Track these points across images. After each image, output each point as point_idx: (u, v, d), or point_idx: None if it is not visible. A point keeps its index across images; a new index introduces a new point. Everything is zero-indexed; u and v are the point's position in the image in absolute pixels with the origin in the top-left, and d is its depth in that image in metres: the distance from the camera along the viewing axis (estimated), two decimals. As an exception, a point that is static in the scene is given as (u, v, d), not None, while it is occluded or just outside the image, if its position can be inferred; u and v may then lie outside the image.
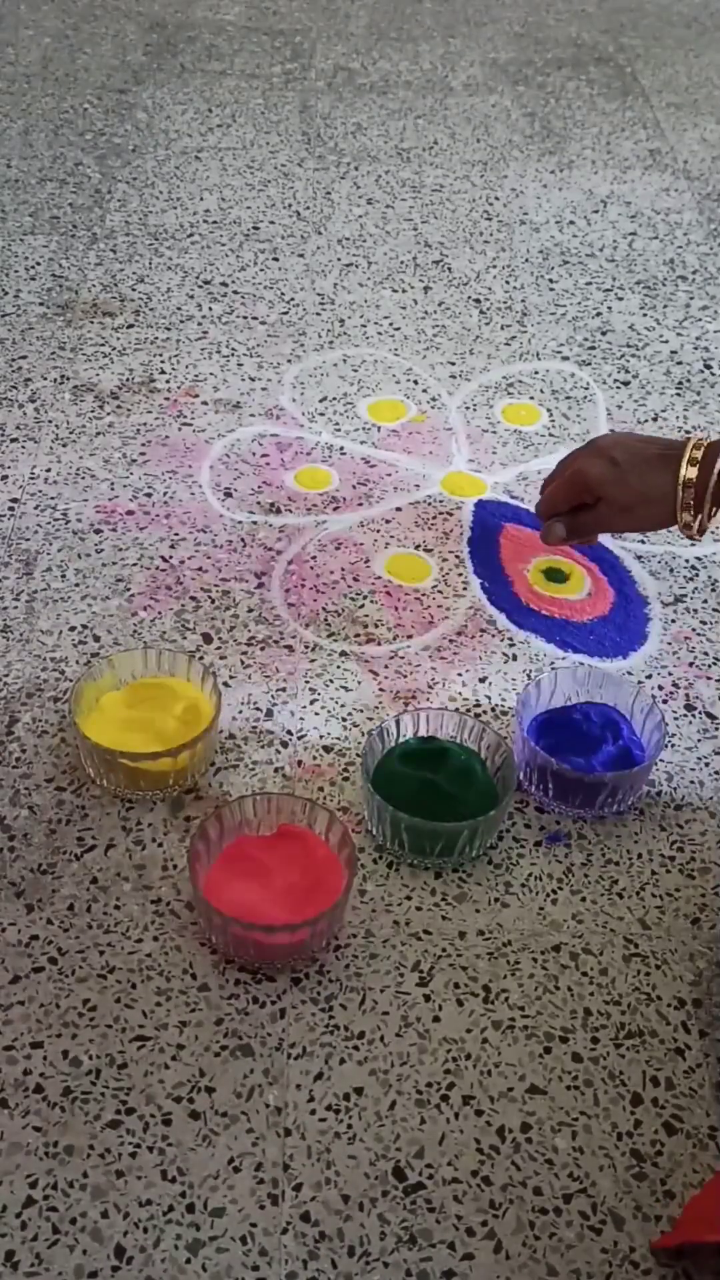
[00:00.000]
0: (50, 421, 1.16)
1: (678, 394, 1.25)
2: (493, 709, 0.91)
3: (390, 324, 1.33)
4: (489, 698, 0.92)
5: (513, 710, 0.89)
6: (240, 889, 0.75)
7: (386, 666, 0.94)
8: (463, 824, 0.78)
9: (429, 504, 1.10)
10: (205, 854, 0.76)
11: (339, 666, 0.94)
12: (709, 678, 0.94)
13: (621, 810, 0.84)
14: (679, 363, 1.29)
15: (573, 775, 0.81)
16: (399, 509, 1.09)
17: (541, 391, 1.24)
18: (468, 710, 0.90)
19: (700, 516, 0.89)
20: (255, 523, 1.06)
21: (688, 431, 1.20)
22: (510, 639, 0.97)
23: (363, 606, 0.99)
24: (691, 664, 0.96)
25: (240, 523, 1.06)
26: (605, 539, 1.06)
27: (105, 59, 1.87)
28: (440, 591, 1.01)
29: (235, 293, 1.36)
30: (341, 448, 1.16)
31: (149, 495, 1.09)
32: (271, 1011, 0.72)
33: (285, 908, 0.74)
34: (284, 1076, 0.69)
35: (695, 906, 0.79)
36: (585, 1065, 0.70)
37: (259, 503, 1.09)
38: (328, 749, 0.87)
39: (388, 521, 1.07)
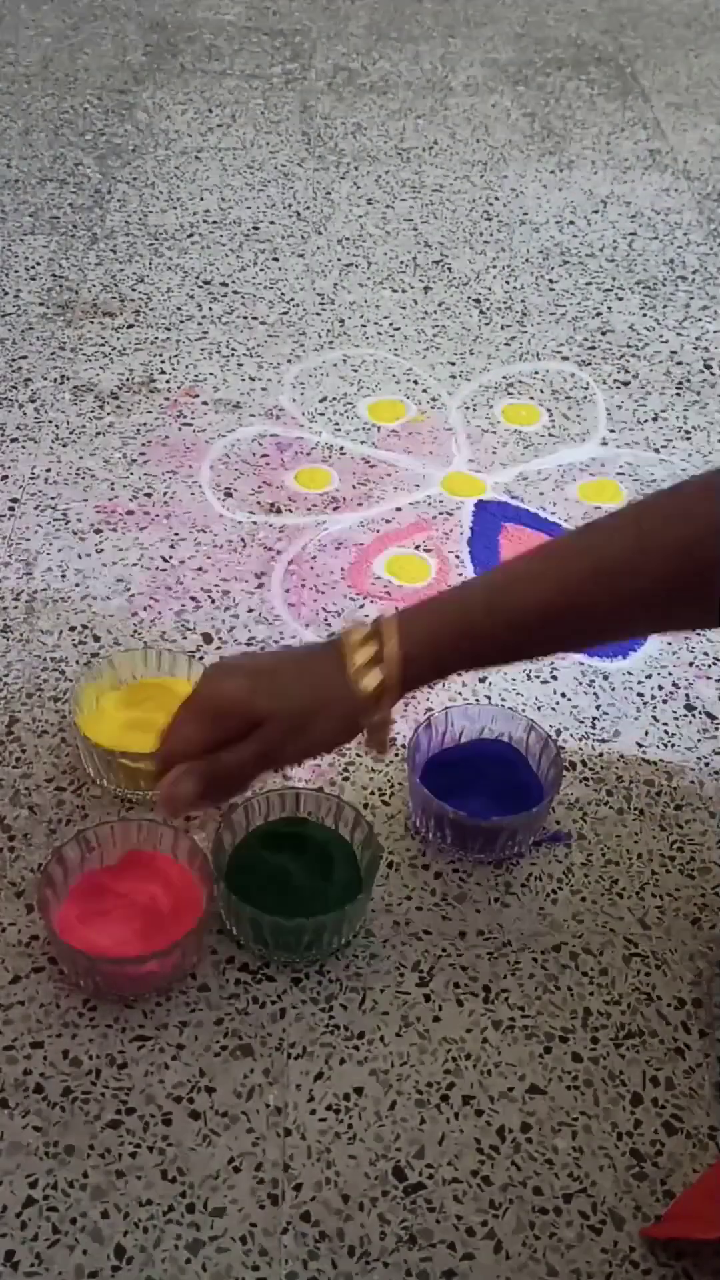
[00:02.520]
0: (50, 421, 1.16)
1: (678, 394, 1.25)
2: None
3: (390, 324, 1.33)
4: (489, 698, 0.92)
5: (403, 754, 0.85)
6: (99, 925, 0.72)
7: (386, 666, 0.94)
8: (322, 918, 0.71)
9: (429, 504, 1.10)
10: (54, 897, 0.73)
11: (339, 666, 0.93)
12: (709, 678, 0.94)
13: (522, 851, 0.81)
14: (679, 363, 1.29)
15: (470, 822, 0.78)
16: (399, 509, 1.09)
17: (541, 391, 1.24)
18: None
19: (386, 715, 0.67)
20: (255, 523, 1.06)
21: (687, 433, 1.20)
22: (510, 639, 0.97)
23: (363, 606, 0.99)
24: (691, 664, 0.96)
25: (240, 523, 1.06)
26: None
27: (105, 59, 1.87)
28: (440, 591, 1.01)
29: (235, 293, 1.36)
30: (341, 448, 1.16)
31: (149, 495, 1.08)
32: (271, 1011, 0.72)
33: (149, 935, 0.72)
34: (284, 1076, 0.69)
35: (695, 906, 0.79)
36: (585, 1065, 0.70)
37: (259, 503, 1.09)
38: (328, 749, 0.87)
39: (388, 521, 1.07)
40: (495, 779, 0.82)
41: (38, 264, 1.39)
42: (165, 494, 1.09)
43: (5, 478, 1.09)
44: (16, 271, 1.37)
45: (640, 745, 0.89)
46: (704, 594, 0.62)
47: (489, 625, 0.66)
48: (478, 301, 1.37)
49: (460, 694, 0.92)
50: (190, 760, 0.65)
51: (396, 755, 0.86)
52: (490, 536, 1.06)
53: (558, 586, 0.64)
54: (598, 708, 0.91)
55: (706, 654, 0.96)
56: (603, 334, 1.33)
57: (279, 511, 1.08)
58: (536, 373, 1.27)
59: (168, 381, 1.22)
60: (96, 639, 0.95)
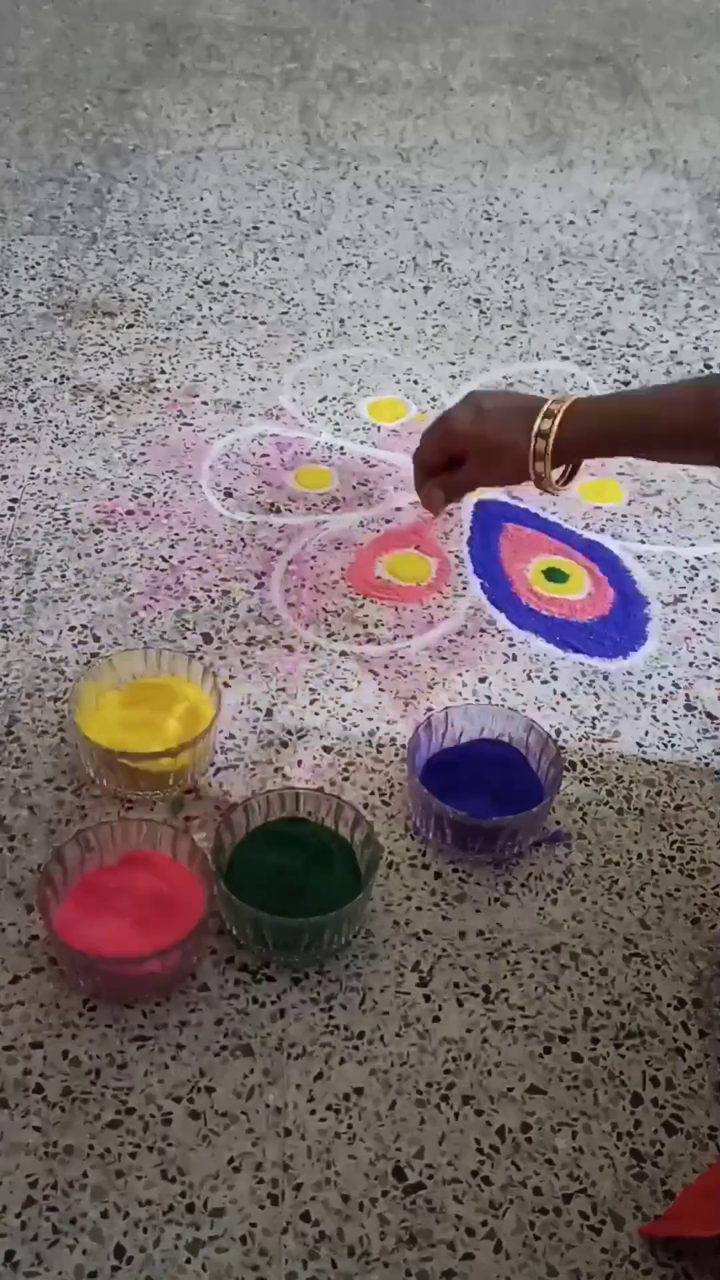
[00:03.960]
0: (50, 421, 1.16)
1: (678, 394, 1.25)
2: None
3: (390, 324, 1.33)
4: (489, 698, 0.92)
5: (404, 754, 0.85)
6: (99, 925, 0.72)
7: (386, 666, 0.94)
8: (323, 918, 0.72)
9: (429, 504, 1.10)
10: (54, 897, 0.73)
11: (339, 666, 0.94)
12: (709, 678, 0.94)
13: (522, 851, 0.81)
14: (679, 363, 1.29)
15: (470, 822, 0.78)
16: (399, 509, 1.09)
17: (541, 391, 1.24)
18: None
19: (550, 469, 0.89)
20: (255, 523, 1.06)
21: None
22: (510, 639, 0.97)
23: (362, 606, 0.99)
24: (691, 664, 0.95)
25: (240, 523, 1.06)
26: (606, 538, 1.06)
27: (105, 59, 1.87)
28: (440, 591, 1.01)
29: (235, 293, 1.36)
30: (341, 448, 1.16)
31: (149, 495, 1.08)
32: (271, 1011, 0.72)
33: (149, 935, 0.71)
34: (284, 1076, 0.69)
35: (695, 906, 0.79)
36: (585, 1065, 0.70)
37: (259, 503, 1.09)
38: (328, 749, 0.87)
39: (388, 521, 1.07)
40: (495, 779, 0.82)
41: (38, 264, 1.39)
42: (165, 494, 1.09)
43: (5, 478, 1.09)
44: (16, 271, 1.37)
45: (640, 745, 0.89)
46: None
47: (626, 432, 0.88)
48: (478, 301, 1.37)
49: (460, 694, 0.92)
50: (433, 470, 0.96)
51: (397, 755, 0.86)
52: (490, 536, 1.06)
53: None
54: (598, 708, 0.91)
55: (706, 654, 0.96)
56: (603, 334, 1.33)
57: (279, 511, 1.08)
58: (536, 373, 1.27)
59: (168, 381, 1.22)
60: (96, 639, 0.95)
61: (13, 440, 1.14)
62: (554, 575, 1.03)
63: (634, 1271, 0.62)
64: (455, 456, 0.94)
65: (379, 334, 1.31)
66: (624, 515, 1.10)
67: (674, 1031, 0.72)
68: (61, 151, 1.62)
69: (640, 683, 0.94)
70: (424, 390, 1.23)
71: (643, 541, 1.07)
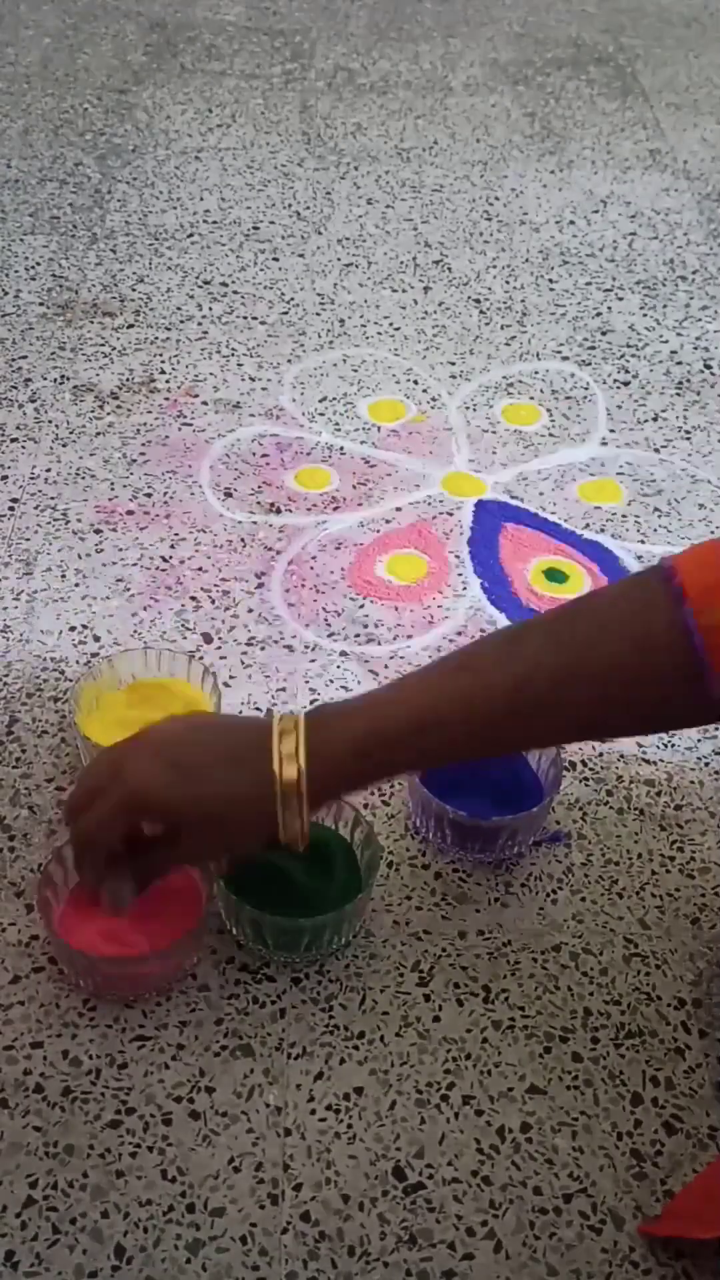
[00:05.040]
0: (50, 421, 1.16)
1: (678, 394, 1.25)
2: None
3: (390, 324, 1.33)
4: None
5: None
6: (99, 925, 0.72)
7: (386, 666, 0.94)
8: (322, 918, 0.71)
9: (429, 504, 1.10)
10: (54, 897, 0.73)
11: (339, 666, 0.94)
12: (709, 678, 0.94)
13: (522, 851, 0.81)
14: (679, 363, 1.29)
15: (470, 822, 0.78)
16: (399, 509, 1.09)
17: (541, 391, 1.24)
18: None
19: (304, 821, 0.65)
20: (255, 523, 1.06)
21: (687, 433, 1.20)
22: (510, 639, 0.97)
23: (363, 606, 0.99)
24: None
25: (240, 523, 1.06)
26: (606, 538, 1.06)
27: (105, 59, 1.87)
28: (440, 591, 1.01)
29: (235, 293, 1.36)
30: (341, 448, 1.16)
31: (149, 495, 1.08)
32: (271, 1011, 0.72)
33: (149, 935, 0.71)
34: (284, 1076, 0.69)
35: (695, 906, 0.79)
36: (585, 1065, 0.70)
37: (259, 503, 1.09)
38: (328, 749, 0.87)
39: (388, 521, 1.07)
40: (495, 779, 0.82)
41: (38, 264, 1.39)
42: (165, 494, 1.09)
43: (5, 478, 1.09)
44: (16, 271, 1.37)
45: (640, 745, 0.89)
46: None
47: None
48: (478, 301, 1.37)
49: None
50: (106, 848, 0.67)
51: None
52: (490, 536, 1.06)
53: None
54: (598, 708, 0.91)
55: (706, 654, 0.96)
56: (603, 334, 1.33)
57: (279, 511, 1.08)
58: (536, 373, 1.27)
59: (168, 381, 1.22)
60: (96, 639, 0.95)
61: (13, 440, 1.14)
62: (554, 575, 1.03)
63: (634, 1271, 0.62)
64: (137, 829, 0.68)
65: (379, 334, 1.31)
66: (624, 515, 1.10)
67: (674, 1031, 0.72)
68: (61, 151, 1.62)
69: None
70: (424, 390, 1.23)
71: (643, 541, 1.07)
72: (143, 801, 0.65)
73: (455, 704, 0.63)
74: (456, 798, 0.78)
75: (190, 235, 1.45)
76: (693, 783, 0.87)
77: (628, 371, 1.28)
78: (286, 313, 1.33)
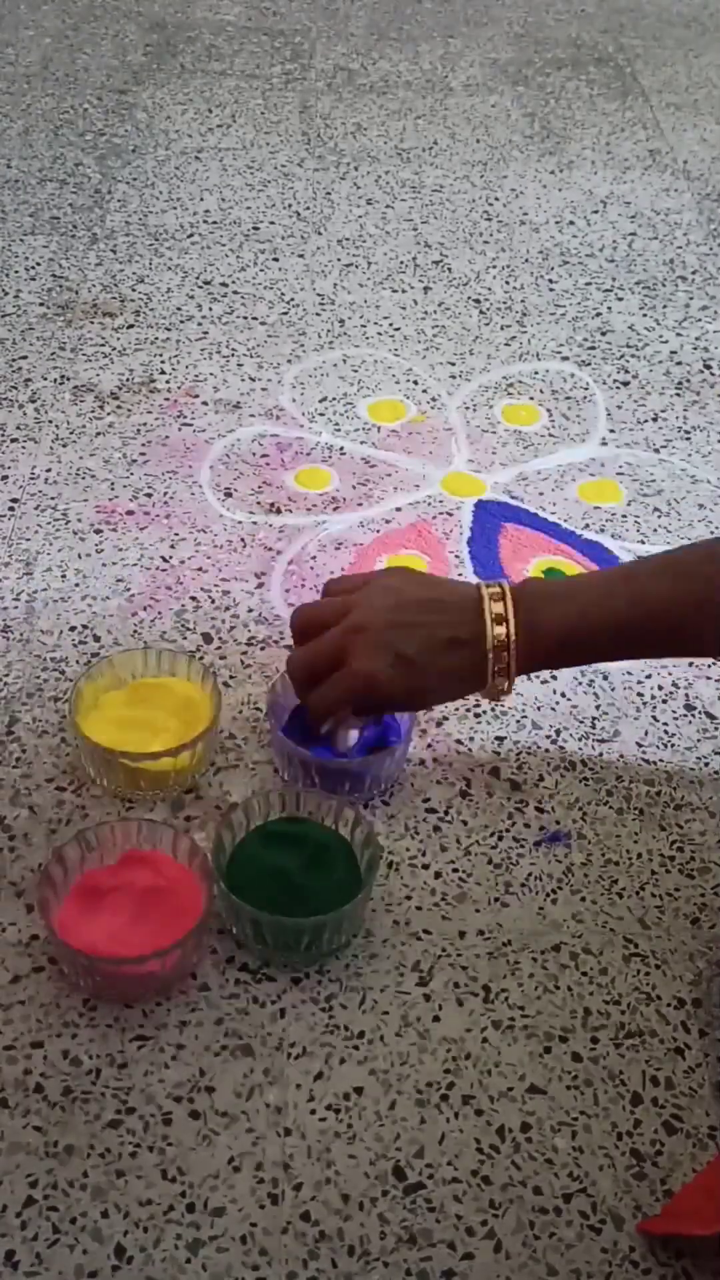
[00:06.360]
0: (50, 421, 1.16)
1: (677, 394, 1.25)
2: (491, 708, 0.90)
3: (390, 324, 1.33)
4: (489, 698, 0.92)
5: (265, 708, 0.87)
6: (99, 925, 0.72)
7: (386, 666, 0.94)
8: (321, 918, 0.72)
9: (429, 504, 1.10)
10: (54, 897, 0.73)
11: (339, 666, 0.93)
12: (709, 678, 0.94)
13: (393, 793, 0.83)
14: (679, 363, 1.29)
15: (333, 766, 0.81)
16: (399, 509, 1.09)
17: (541, 391, 1.24)
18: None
19: (511, 678, 0.77)
20: (255, 523, 1.06)
21: (687, 433, 1.20)
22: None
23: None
24: (691, 664, 0.95)
25: (240, 523, 1.06)
26: (606, 538, 1.06)
27: (105, 59, 1.87)
28: (440, 591, 1.01)
29: (235, 293, 1.36)
30: (341, 448, 1.16)
31: (149, 495, 1.09)
32: (271, 1011, 0.72)
33: (149, 935, 0.71)
34: (284, 1076, 0.69)
35: (695, 906, 0.79)
36: (585, 1065, 0.70)
37: (259, 503, 1.09)
38: (328, 749, 0.87)
39: (388, 521, 1.07)
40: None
41: (38, 264, 1.39)
42: (165, 494, 1.09)
43: (5, 478, 1.09)
44: (16, 271, 1.37)
45: (640, 745, 0.89)
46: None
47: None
48: (478, 301, 1.37)
49: (460, 694, 0.92)
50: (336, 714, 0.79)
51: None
52: (490, 536, 1.06)
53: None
54: (597, 708, 0.91)
55: (706, 654, 0.96)
56: (603, 334, 1.33)
57: (279, 511, 1.08)
58: (536, 373, 1.27)
59: (168, 381, 1.22)
60: (96, 639, 0.95)
61: (13, 440, 1.14)
62: (554, 575, 1.03)
63: (634, 1271, 0.62)
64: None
65: (379, 334, 1.31)
66: (624, 515, 1.10)
67: (674, 1031, 0.72)
68: (61, 151, 1.62)
69: (640, 683, 0.94)
70: (424, 390, 1.23)
71: (643, 542, 1.07)
72: (369, 690, 0.76)
73: (660, 611, 0.74)
74: (318, 743, 0.82)
75: (190, 235, 1.45)
76: (693, 783, 0.87)
77: (627, 372, 1.28)
78: (286, 313, 1.33)
